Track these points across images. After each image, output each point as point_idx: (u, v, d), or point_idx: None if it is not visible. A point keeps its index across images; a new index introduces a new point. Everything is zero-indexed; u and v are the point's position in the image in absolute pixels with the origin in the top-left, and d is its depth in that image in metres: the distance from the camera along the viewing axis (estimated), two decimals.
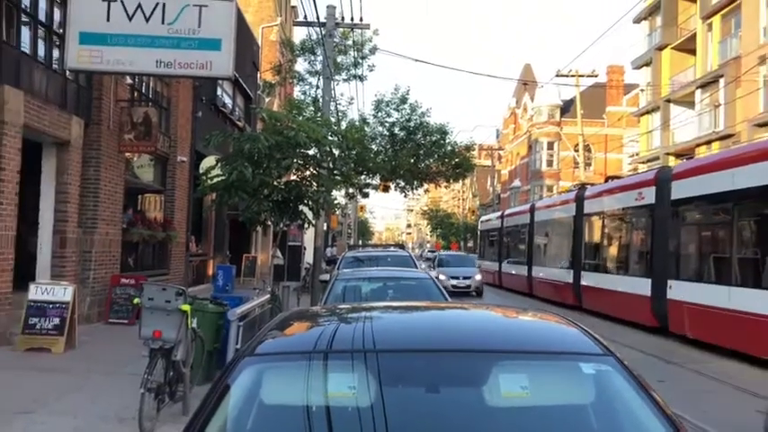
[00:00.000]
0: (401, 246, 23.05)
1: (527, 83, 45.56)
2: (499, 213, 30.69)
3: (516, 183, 51.06)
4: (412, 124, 24.73)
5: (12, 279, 8.77)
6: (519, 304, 19.53)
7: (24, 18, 9.50)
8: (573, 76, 31.45)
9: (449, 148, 25.58)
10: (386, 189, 26.71)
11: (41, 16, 9.91)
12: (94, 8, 9.64)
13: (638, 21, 33.35)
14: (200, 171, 15.63)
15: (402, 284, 7.55)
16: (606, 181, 18.98)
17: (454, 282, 21.49)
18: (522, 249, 24.76)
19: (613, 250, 16.93)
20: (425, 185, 29.38)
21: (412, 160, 24.62)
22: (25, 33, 9.59)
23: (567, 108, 45.36)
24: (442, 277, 20.29)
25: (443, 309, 3.52)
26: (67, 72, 10.23)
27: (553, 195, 35.48)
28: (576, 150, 36.19)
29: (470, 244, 60.20)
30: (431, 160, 25.73)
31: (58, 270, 10.26)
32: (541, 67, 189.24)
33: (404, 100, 24.99)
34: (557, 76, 30.91)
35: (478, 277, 22.71)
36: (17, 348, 8.39)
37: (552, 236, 21.65)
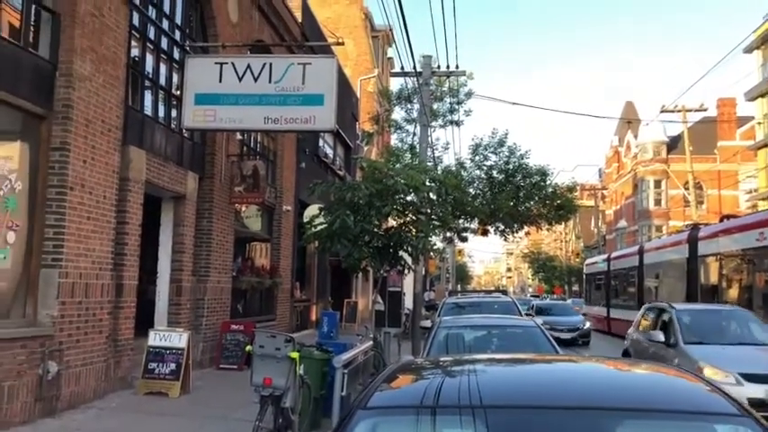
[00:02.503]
0: (503, 291, 22.55)
1: (630, 121, 44.03)
2: (605, 256, 29.46)
3: (622, 223, 48.96)
4: (510, 167, 24.41)
5: (134, 326, 9.33)
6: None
7: (147, 83, 10.36)
8: (679, 111, 30.09)
9: (550, 189, 25.00)
10: (484, 233, 26.33)
11: (162, 81, 10.77)
12: (208, 71, 10.41)
13: (749, 51, 31.64)
14: (304, 220, 16.18)
15: (507, 333, 7.36)
16: (722, 220, 17.84)
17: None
18: (631, 293, 23.55)
19: (733, 293, 15.75)
20: (526, 228, 28.72)
21: (511, 203, 24.20)
22: (147, 97, 10.44)
23: (673, 144, 43.32)
24: None
25: (555, 361, 3.40)
26: (184, 131, 11.00)
27: (662, 236, 33.68)
28: (686, 188, 34.31)
29: (575, 287, 57.97)
30: (531, 203, 25.19)
31: (174, 317, 10.84)
32: (644, 103, 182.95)
33: (502, 143, 24.81)
34: (662, 111, 29.71)
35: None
36: (138, 392, 8.87)
37: (664, 278, 20.47)
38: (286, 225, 16.22)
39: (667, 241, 21.53)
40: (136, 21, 9.64)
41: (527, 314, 18.22)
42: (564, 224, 53.29)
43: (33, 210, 7.48)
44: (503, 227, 25.71)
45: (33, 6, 7.61)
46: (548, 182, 24.85)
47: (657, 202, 44.72)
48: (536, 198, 25.01)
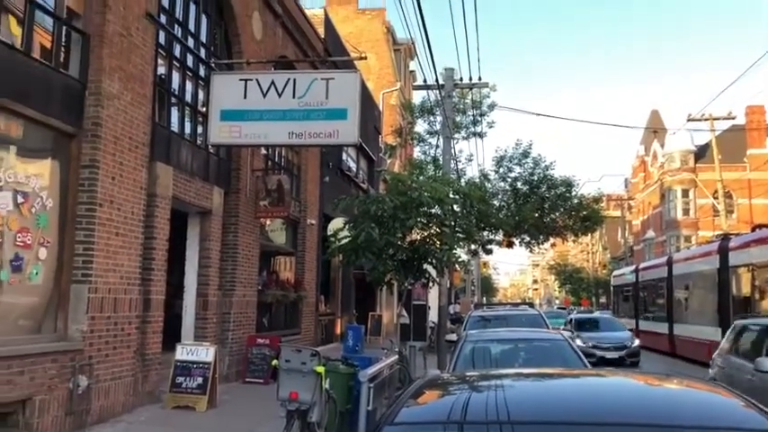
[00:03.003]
0: (530, 304, 22.26)
1: (656, 130, 43.52)
2: (633, 267, 29.04)
3: (650, 234, 48.26)
4: (535, 178, 24.31)
5: (161, 340, 9.43)
6: (662, 366, 18.11)
7: (173, 100, 10.54)
8: (707, 119, 29.64)
9: (575, 200, 24.82)
10: (509, 245, 26.19)
11: (188, 97, 10.94)
12: (233, 88, 10.57)
13: None
14: (329, 233, 16.26)
15: (535, 346, 7.27)
16: (754, 230, 17.48)
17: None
18: (661, 305, 23.12)
19: (766, 305, 15.39)
20: (551, 240, 28.51)
21: (536, 215, 24.05)
22: (174, 114, 10.62)
23: (701, 153, 42.66)
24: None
25: (583, 375, 3.35)
26: (210, 147, 11.15)
27: (692, 246, 33.11)
28: (716, 198, 33.72)
29: (602, 299, 57.17)
30: (556, 214, 25.03)
31: (200, 331, 10.93)
32: (670, 112, 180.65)
33: (526, 154, 24.72)
34: (689, 120, 29.27)
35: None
36: (166, 406, 8.94)
37: (694, 290, 20.07)
38: (310, 238, 16.30)
39: (697, 252, 21.14)
40: (162, 39, 9.84)
41: (564, 329, 16.66)
42: (590, 235, 52.74)
43: (64, 226, 7.63)
44: (528, 238, 25.55)
45: (64, 28, 7.82)
46: (573, 193, 24.68)
47: (686, 212, 44.01)
48: (561, 209, 24.84)
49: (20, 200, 6.95)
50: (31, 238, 7.08)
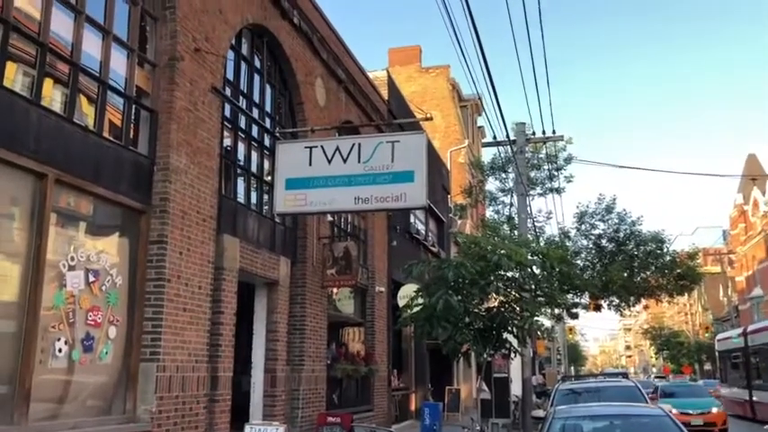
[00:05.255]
0: (624, 374, 21.34)
1: (755, 177, 41.87)
2: (741, 330, 27.42)
3: (757, 291, 45.65)
4: (621, 235, 23.77)
5: (229, 420, 9.54)
6: None
7: (239, 171, 11.01)
8: None
9: (668, 257, 23.99)
10: (597, 308, 25.50)
11: (253, 168, 11.41)
12: (298, 155, 10.97)
13: None
14: (399, 301, 16.25)
15: (632, 423, 6.93)
16: None
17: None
18: None
19: None
20: (643, 301, 27.48)
21: (625, 274, 23.36)
22: (240, 185, 11.08)
23: None
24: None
25: None
26: (276, 216, 11.51)
27: None
28: None
29: (707, 366, 54.01)
30: (647, 273, 24.22)
31: (269, 409, 10.99)
32: None
33: (609, 209, 24.28)
34: None
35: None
36: None
37: None
38: (380, 307, 16.32)
39: None
40: (227, 111, 10.39)
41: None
42: (687, 295, 50.43)
43: (133, 303, 7.97)
44: (617, 300, 24.81)
45: (134, 106, 8.40)
46: (665, 249, 23.90)
47: None
48: (653, 268, 24.07)
49: (91, 278, 7.33)
50: (101, 317, 7.42)
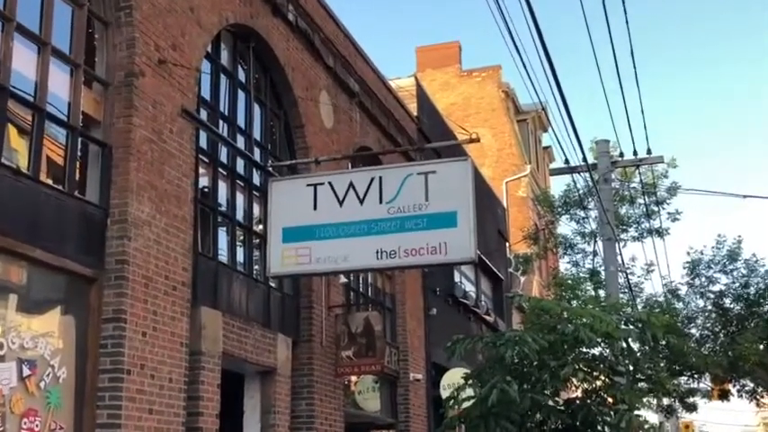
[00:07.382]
0: None
1: None
2: None
3: None
4: (752, 291, 23.54)
5: None
6: None
7: (220, 220, 11.23)
8: None
9: None
10: (723, 395, 25.15)
11: (239, 215, 11.64)
12: (299, 196, 11.11)
13: None
14: (442, 390, 16.20)
15: None
16: None
17: None
18: None
19: None
20: None
21: (761, 346, 23.05)
22: (222, 238, 11.27)
23: None
24: None
25: None
26: (271, 279, 11.68)
27: None
28: None
29: None
30: None
31: None
32: None
33: (733, 256, 24.11)
34: None
35: None
36: None
37: None
38: (416, 401, 16.27)
39: None
40: (203, 142, 10.66)
41: None
42: None
43: (81, 404, 8.09)
44: (751, 384, 24.44)
45: (79, 140, 8.68)
46: None
47: None
48: None
49: (25, 371, 7.48)
50: (39, 424, 7.56)
